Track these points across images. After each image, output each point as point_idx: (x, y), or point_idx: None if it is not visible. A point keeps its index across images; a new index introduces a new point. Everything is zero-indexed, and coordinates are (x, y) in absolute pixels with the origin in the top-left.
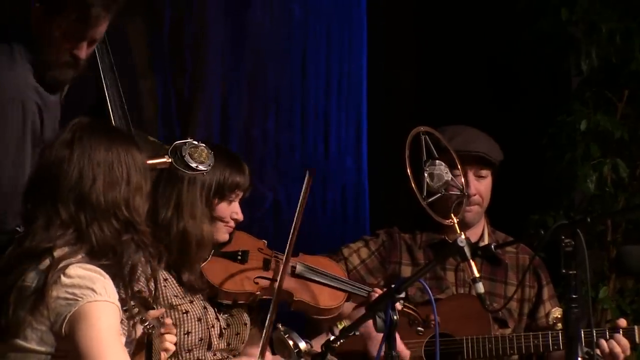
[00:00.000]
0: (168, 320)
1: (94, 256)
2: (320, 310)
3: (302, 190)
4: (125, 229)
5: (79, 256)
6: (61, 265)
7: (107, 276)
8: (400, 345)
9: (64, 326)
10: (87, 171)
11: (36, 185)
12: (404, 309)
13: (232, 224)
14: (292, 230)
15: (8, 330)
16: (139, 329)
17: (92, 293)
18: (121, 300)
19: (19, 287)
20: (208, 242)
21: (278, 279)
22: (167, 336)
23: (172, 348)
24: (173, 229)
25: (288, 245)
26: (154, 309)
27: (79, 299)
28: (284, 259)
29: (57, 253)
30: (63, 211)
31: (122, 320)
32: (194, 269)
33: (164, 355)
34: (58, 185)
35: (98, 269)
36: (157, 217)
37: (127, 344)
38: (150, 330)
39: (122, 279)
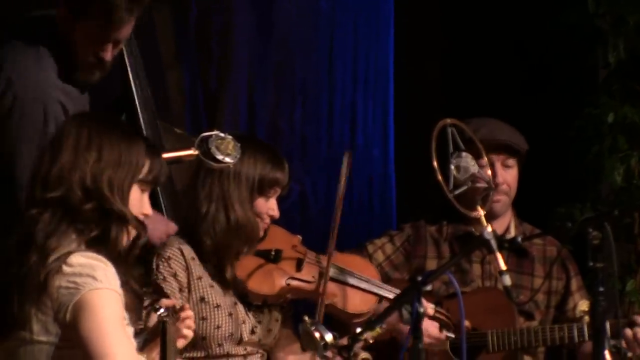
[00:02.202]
0: (186, 306)
1: (82, 232)
2: (351, 316)
3: (341, 175)
4: (88, 197)
5: (71, 238)
6: (62, 253)
7: (108, 263)
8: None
9: (67, 315)
10: (56, 155)
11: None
12: (436, 314)
13: (267, 220)
14: (332, 229)
15: (14, 324)
16: (154, 317)
17: (93, 281)
18: (124, 285)
19: (20, 279)
20: (256, 233)
21: (322, 286)
22: (187, 321)
23: (190, 334)
24: (220, 222)
25: (329, 248)
26: (167, 297)
27: (81, 287)
28: (327, 261)
29: (50, 242)
30: (37, 193)
31: (128, 307)
32: (234, 263)
33: (182, 341)
34: (35, 174)
35: (99, 257)
36: (199, 211)
37: (138, 334)
38: (164, 319)
39: (120, 257)
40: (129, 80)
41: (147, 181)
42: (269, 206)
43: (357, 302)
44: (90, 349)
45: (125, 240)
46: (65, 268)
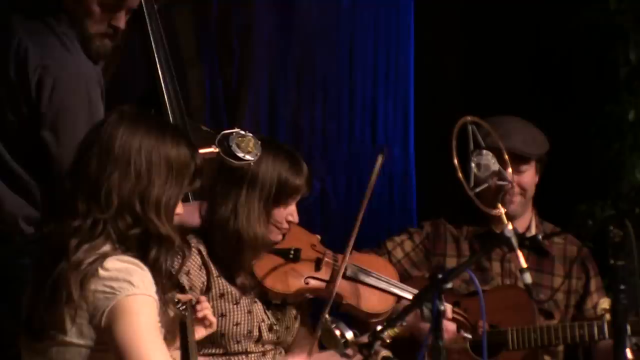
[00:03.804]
0: (203, 299)
1: (119, 250)
2: (369, 315)
3: (373, 174)
4: (136, 223)
5: (107, 248)
6: (98, 256)
7: (145, 268)
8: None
9: (102, 320)
10: (104, 164)
11: (67, 175)
12: (454, 315)
13: (286, 226)
14: (354, 228)
15: (44, 329)
16: (171, 311)
17: (130, 286)
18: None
19: (50, 284)
20: (262, 246)
21: (334, 284)
22: (205, 312)
23: (213, 321)
24: (229, 228)
25: (348, 244)
26: (184, 289)
27: (117, 292)
28: (342, 258)
29: (75, 254)
30: (80, 204)
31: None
32: (246, 269)
33: (202, 331)
34: (79, 178)
35: (136, 261)
36: (214, 214)
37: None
38: (183, 312)
39: (153, 272)
40: (158, 75)
41: (189, 189)
42: (288, 212)
43: (375, 302)
44: (125, 355)
45: (166, 261)
46: (102, 272)
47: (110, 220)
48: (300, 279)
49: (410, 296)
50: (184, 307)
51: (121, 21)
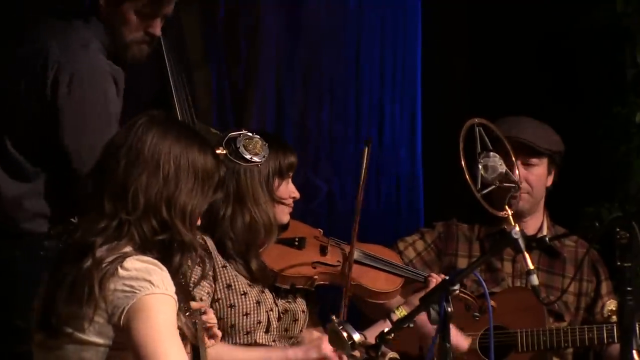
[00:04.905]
0: (210, 311)
1: (139, 252)
2: (377, 294)
3: (364, 164)
4: (163, 229)
5: (128, 249)
6: (117, 256)
7: (164, 268)
8: (457, 335)
9: (121, 319)
10: (133, 166)
11: (92, 174)
12: (460, 294)
13: (291, 202)
14: (355, 211)
15: (60, 326)
16: (181, 319)
17: (150, 285)
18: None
19: (69, 282)
20: (275, 226)
21: (348, 263)
22: (213, 323)
23: (219, 334)
24: (237, 222)
25: (353, 228)
26: (195, 299)
27: (137, 291)
28: (351, 242)
29: (99, 252)
30: (107, 204)
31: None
32: (259, 256)
33: (210, 342)
34: (106, 178)
35: (155, 261)
36: (216, 214)
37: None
38: (195, 319)
39: (174, 279)
40: (168, 78)
41: (212, 199)
42: (290, 188)
43: (383, 282)
44: (143, 353)
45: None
46: (122, 271)
47: (136, 222)
48: (308, 263)
49: (417, 278)
50: (196, 315)
51: (157, 28)
